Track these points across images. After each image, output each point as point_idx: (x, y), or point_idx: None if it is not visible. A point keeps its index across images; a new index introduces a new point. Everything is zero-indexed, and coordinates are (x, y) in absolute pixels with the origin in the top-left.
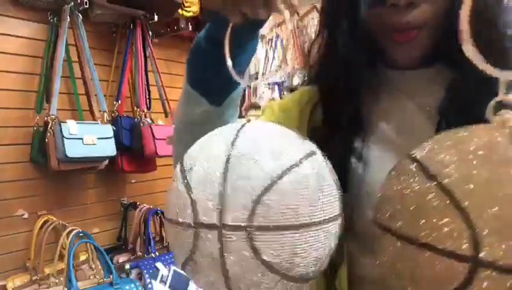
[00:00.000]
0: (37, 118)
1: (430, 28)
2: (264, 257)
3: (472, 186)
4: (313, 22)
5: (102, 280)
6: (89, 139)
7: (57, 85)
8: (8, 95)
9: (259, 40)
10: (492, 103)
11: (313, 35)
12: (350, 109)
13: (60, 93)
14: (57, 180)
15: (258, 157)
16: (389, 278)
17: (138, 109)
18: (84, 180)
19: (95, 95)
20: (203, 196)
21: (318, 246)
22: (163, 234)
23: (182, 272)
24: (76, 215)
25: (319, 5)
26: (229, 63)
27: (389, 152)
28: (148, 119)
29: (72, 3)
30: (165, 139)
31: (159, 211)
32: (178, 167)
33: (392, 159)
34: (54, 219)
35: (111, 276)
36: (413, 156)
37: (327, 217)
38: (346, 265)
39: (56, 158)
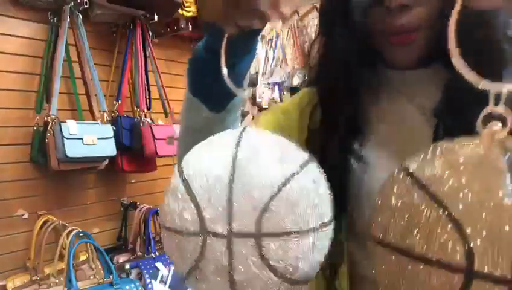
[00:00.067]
0: (37, 118)
1: (425, 29)
2: (271, 262)
3: (464, 197)
4: (313, 22)
5: (102, 280)
6: (89, 139)
7: (57, 85)
8: (8, 95)
9: (259, 40)
10: (481, 115)
11: (313, 35)
12: (350, 109)
13: (60, 93)
14: (57, 180)
15: (263, 164)
16: (384, 288)
17: (138, 109)
18: (84, 180)
19: (95, 95)
20: (208, 204)
21: (321, 249)
22: None
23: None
24: (76, 215)
25: (319, 5)
26: (225, 73)
27: (388, 152)
28: (148, 119)
29: (72, 3)
30: (165, 139)
31: (159, 211)
32: (178, 173)
33: (391, 159)
34: (54, 219)
35: (111, 276)
36: (406, 167)
37: (326, 221)
38: (346, 265)
39: (56, 158)
